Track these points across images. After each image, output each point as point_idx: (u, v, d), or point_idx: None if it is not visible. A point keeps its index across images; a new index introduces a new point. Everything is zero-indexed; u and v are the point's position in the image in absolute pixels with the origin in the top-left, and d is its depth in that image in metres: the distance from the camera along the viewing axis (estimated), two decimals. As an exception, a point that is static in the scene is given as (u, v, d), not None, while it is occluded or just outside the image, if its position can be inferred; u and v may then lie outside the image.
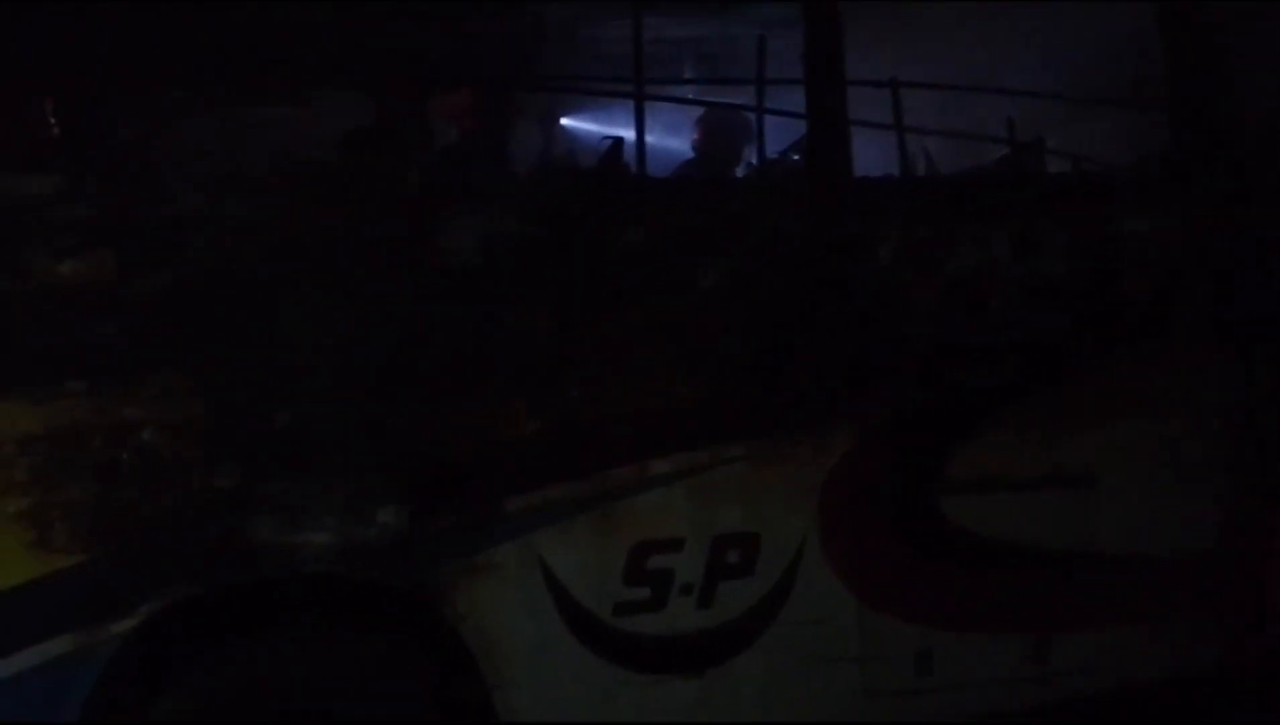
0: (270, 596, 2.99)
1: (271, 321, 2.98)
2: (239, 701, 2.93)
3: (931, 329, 3.50)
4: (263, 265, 2.99)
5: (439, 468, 3.08)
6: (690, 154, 4.58)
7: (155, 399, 2.84)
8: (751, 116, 4.30)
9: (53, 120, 3.19)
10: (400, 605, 3.07)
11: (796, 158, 4.12)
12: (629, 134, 3.68)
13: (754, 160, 4.41)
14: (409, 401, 3.06)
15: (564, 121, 5.03)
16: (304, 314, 3.00)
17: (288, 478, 2.94)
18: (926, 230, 3.54)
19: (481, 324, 3.14)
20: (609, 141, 3.77)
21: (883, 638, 3.42)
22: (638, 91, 3.78)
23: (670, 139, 4.48)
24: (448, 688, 3.10)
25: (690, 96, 4.88)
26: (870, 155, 3.82)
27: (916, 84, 4.12)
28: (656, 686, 3.25)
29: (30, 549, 2.74)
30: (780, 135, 4.16)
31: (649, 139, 3.68)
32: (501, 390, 3.14)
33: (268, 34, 3.35)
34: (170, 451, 2.85)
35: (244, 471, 2.90)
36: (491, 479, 3.11)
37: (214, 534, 2.87)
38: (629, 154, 3.67)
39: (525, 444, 3.15)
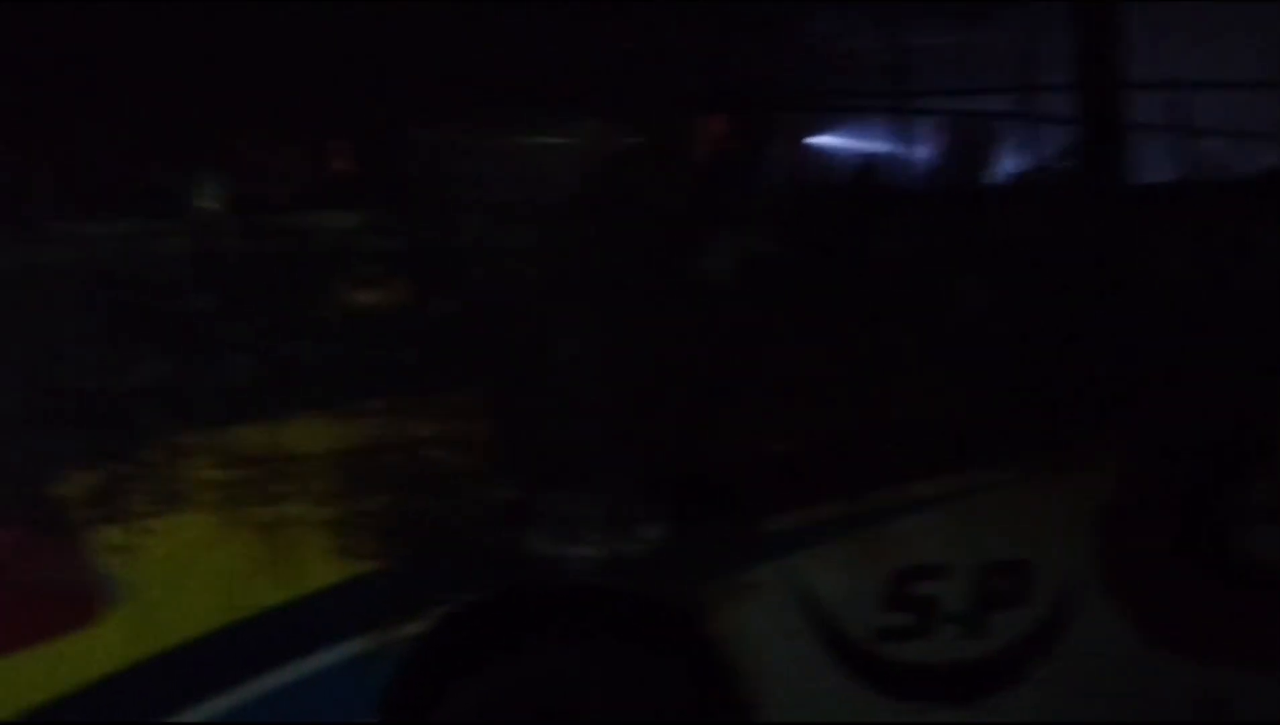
0: (545, 604, 3.13)
1: (545, 342, 3.12)
2: (511, 703, 3.09)
3: (1225, 343, 3.27)
4: (537, 289, 3.14)
5: (701, 485, 3.14)
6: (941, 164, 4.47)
7: (444, 416, 3.03)
8: (1002, 124, 4.15)
9: (348, 158, 3.47)
10: (661, 619, 3.15)
11: (1066, 165, 3.93)
12: (885, 148, 3.64)
13: (1012, 169, 4.26)
14: (673, 418, 3.14)
15: (821, 139, 5.00)
16: (575, 334, 3.13)
17: (560, 492, 3.07)
18: (1214, 238, 3.32)
19: (745, 342, 3.18)
20: (866, 157, 3.74)
21: (1166, 676, 3.22)
22: (894, 105, 3.73)
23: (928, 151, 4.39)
24: (705, 704, 3.15)
25: (949, 108, 4.75)
26: (1152, 160, 3.62)
27: (1200, 82, 3.87)
28: (920, 716, 3.19)
29: (335, 555, 2.98)
30: (1038, 144, 4.00)
31: (904, 152, 3.62)
32: (764, 408, 3.16)
33: (533, 64, 3.51)
34: (457, 466, 3.03)
35: (522, 485, 3.05)
36: (753, 497, 3.14)
37: (496, 544, 3.04)
38: (887, 168, 3.63)
39: (787, 463, 3.16)
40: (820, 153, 4.99)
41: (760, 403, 3.15)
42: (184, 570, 2.95)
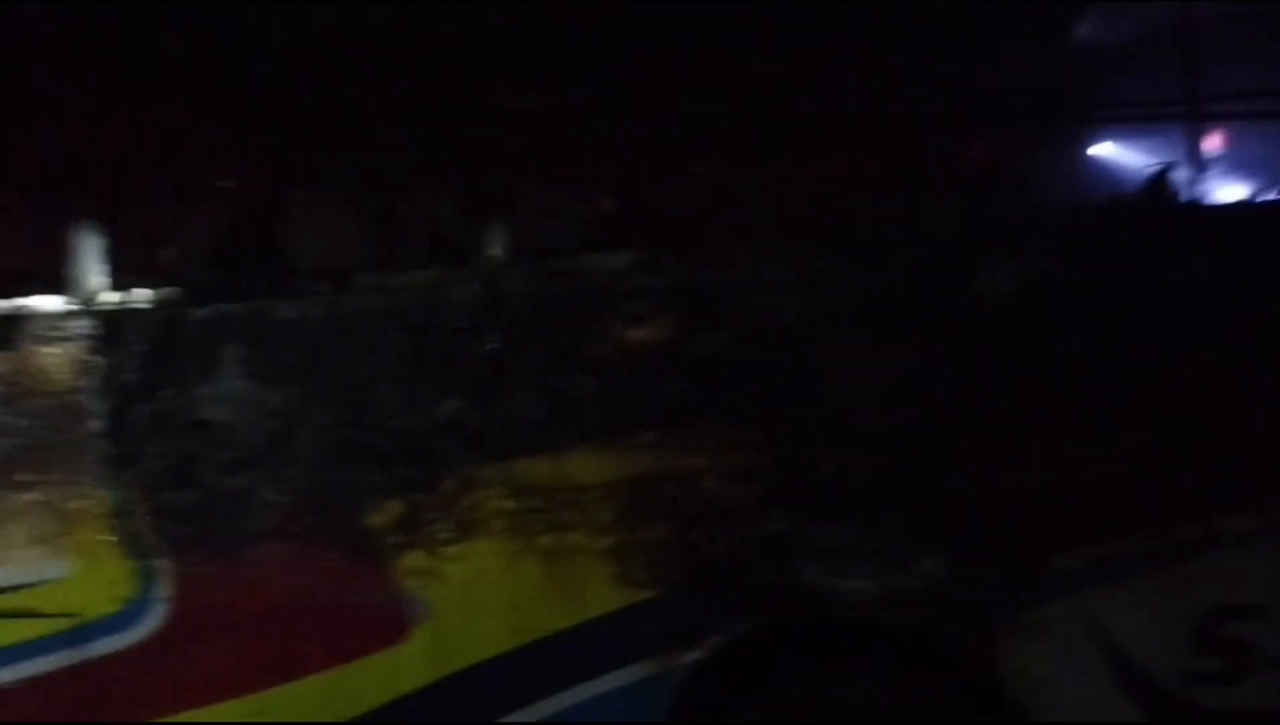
0: (822, 637, 3.11)
1: (819, 373, 3.12)
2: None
3: None
4: (807, 321, 3.15)
5: (985, 518, 3.03)
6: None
7: (715, 449, 3.09)
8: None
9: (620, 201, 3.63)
10: (941, 657, 3.05)
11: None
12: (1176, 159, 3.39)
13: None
14: (954, 448, 3.05)
15: (1104, 151, 4.73)
16: (845, 367, 3.11)
17: (833, 524, 3.05)
18: None
19: (1026, 370, 3.05)
20: (1156, 169, 3.50)
21: None
22: (1189, 112, 3.48)
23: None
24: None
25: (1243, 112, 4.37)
26: None
27: None
28: (1230, 767, 2.92)
29: (614, 583, 3.10)
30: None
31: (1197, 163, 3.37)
32: (1052, 437, 3.02)
33: (801, 98, 3.54)
34: (731, 497, 3.08)
35: (793, 517, 3.06)
36: (1042, 531, 3.00)
37: (769, 575, 3.06)
38: (1178, 181, 3.38)
39: (1078, 495, 3.00)
40: (1104, 167, 4.73)
41: (1050, 432, 3.01)
42: (480, 594, 3.15)
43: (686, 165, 3.54)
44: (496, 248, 3.25)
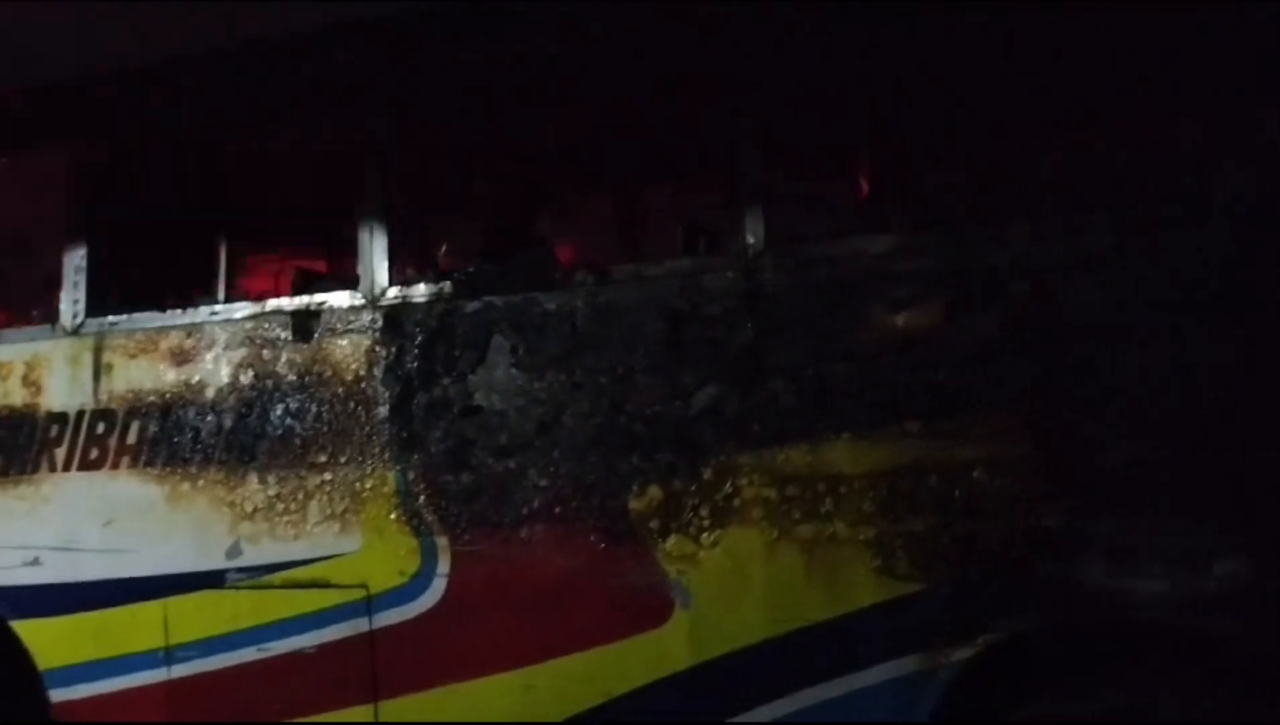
0: (1104, 639, 2.92)
1: (1100, 362, 2.92)
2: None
3: None
4: (1089, 303, 2.95)
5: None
6: None
7: (985, 438, 2.96)
8: None
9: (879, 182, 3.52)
10: (1241, 665, 2.79)
11: None
12: None
13: None
14: (1251, 444, 2.79)
15: None
16: (1135, 354, 2.90)
17: (1119, 521, 2.86)
18: None
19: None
20: None
21: None
22: None
23: None
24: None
25: None
26: None
27: None
28: None
29: (877, 574, 3.02)
30: None
31: None
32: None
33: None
34: (1005, 489, 2.94)
35: (1072, 513, 2.88)
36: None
37: (1046, 573, 2.89)
38: None
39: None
40: None
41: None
42: (739, 582, 3.15)
43: (948, 142, 3.39)
44: (752, 235, 3.22)
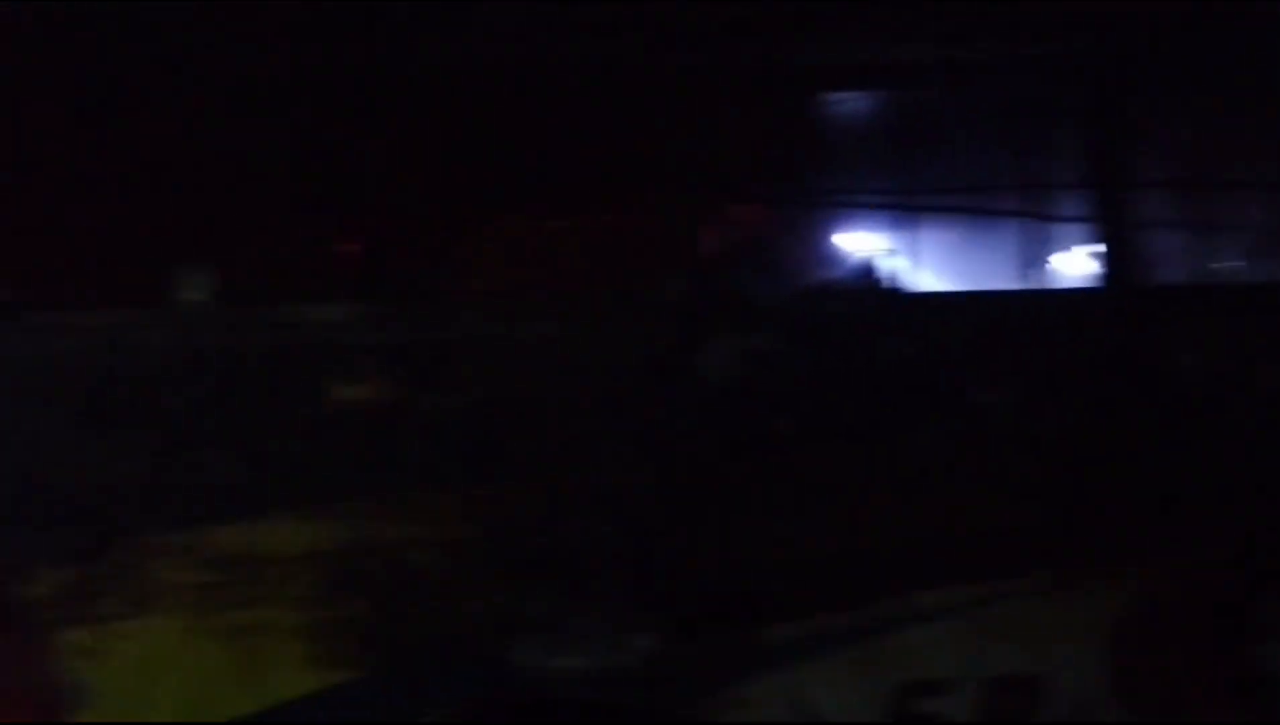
0: (534, 717, 2.98)
1: (541, 441, 3.02)
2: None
3: (1242, 454, 3.15)
4: (530, 386, 3.05)
5: (697, 594, 3.01)
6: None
7: (424, 518, 2.92)
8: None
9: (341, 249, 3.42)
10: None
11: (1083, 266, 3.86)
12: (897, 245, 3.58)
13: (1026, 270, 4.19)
14: (671, 526, 3.02)
15: (832, 234, 4.93)
16: (571, 435, 3.03)
17: (548, 599, 2.95)
18: (1234, 342, 3.22)
19: (745, 446, 3.08)
20: (876, 253, 3.68)
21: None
22: (905, 201, 3.68)
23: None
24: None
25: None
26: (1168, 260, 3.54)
27: (1215, 184, 3.81)
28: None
29: (310, 662, 2.85)
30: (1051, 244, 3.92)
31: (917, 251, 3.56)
32: (762, 515, 3.05)
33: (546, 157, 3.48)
34: (438, 570, 2.91)
35: (507, 591, 2.93)
36: (752, 608, 3.01)
37: (481, 653, 2.90)
38: (899, 268, 3.56)
39: (788, 571, 3.03)
40: (831, 250, 4.93)
41: (763, 510, 3.04)
42: (153, 675, 2.82)
43: (416, 217, 3.38)
44: (196, 291, 2.96)
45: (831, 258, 4.80)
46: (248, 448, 2.91)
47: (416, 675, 2.89)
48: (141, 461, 2.86)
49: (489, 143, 3.50)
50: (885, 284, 3.57)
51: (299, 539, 2.88)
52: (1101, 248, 3.35)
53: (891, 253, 3.56)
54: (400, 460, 2.96)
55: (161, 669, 2.82)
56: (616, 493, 3.02)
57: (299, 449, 2.93)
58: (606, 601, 2.96)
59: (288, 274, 3.35)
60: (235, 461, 2.90)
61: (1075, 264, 3.93)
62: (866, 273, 3.61)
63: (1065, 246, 3.82)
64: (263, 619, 2.84)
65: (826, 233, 4.74)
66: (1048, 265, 4.04)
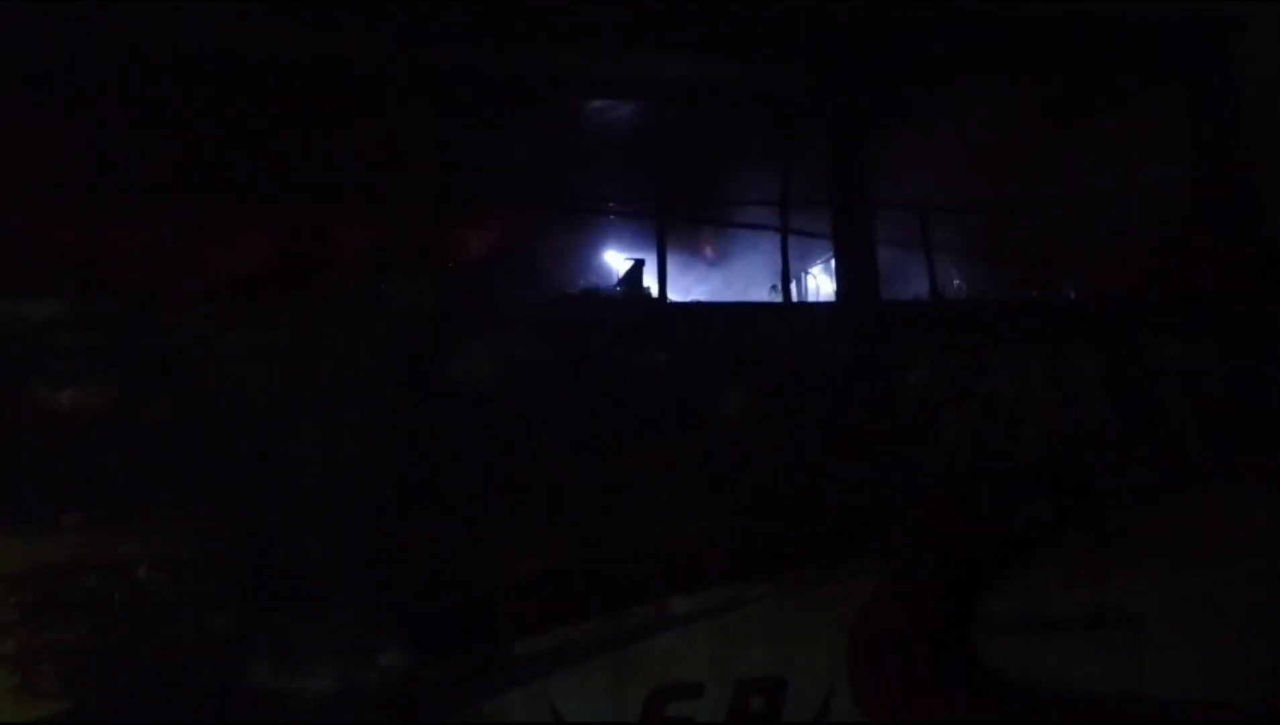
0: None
1: (272, 454, 2.86)
2: None
3: (967, 461, 3.34)
4: (266, 394, 2.89)
5: (443, 608, 2.93)
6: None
7: (152, 535, 2.71)
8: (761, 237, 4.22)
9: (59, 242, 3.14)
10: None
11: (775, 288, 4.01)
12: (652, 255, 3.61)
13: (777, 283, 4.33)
14: (414, 538, 2.93)
15: (585, 243, 4.96)
16: (307, 446, 2.88)
17: (287, 618, 2.79)
18: (959, 356, 3.41)
19: (494, 456, 3.02)
20: (631, 263, 3.70)
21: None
22: (659, 212, 3.72)
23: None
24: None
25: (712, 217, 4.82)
26: (901, 279, 3.72)
27: (946, 208, 4.04)
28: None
29: (15, 694, 2.58)
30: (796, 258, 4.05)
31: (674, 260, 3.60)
32: (512, 524, 3.00)
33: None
34: (166, 590, 2.71)
35: (242, 612, 2.75)
36: (501, 620, 2.95)
37: (209, 678, 2.71)
38: (650, 278, 3.59)
39: (538, 582, 2.99)
40: (587, 258, 4.95)
41: (510, 521, 2.99)
42: None
43: (143, 211, 3.14)
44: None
45: (588, 265, 4.82)
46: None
47: (140, 703, 2.67)
48: None
49: (227, 135, 3.30)
50: (640, 293, 3.59)
51: (7, 557, 2.61)
52: (843, 263, 3.47)
53: (645, 263, 3.59)
54: (115, 474, 2.73)
55: None
56: (360, 505, 2.89)
57: (7, 459, 2.66)
58: (347, 619, 2.83)
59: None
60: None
61: (821, 280, 4.09)
62: (623, 281, 3.63)
63: (813, 262, 3.96)
64: (-41, 649, 2.56)
65: (583, 240, 4.77)
66: (798, 279, 4.18)
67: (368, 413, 2.92)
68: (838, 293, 3.61)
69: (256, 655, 2.75)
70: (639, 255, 3.85)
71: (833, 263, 3.55)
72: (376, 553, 2.87)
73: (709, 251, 4.62)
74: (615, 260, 4.34)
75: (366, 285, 3.18)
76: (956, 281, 4.22)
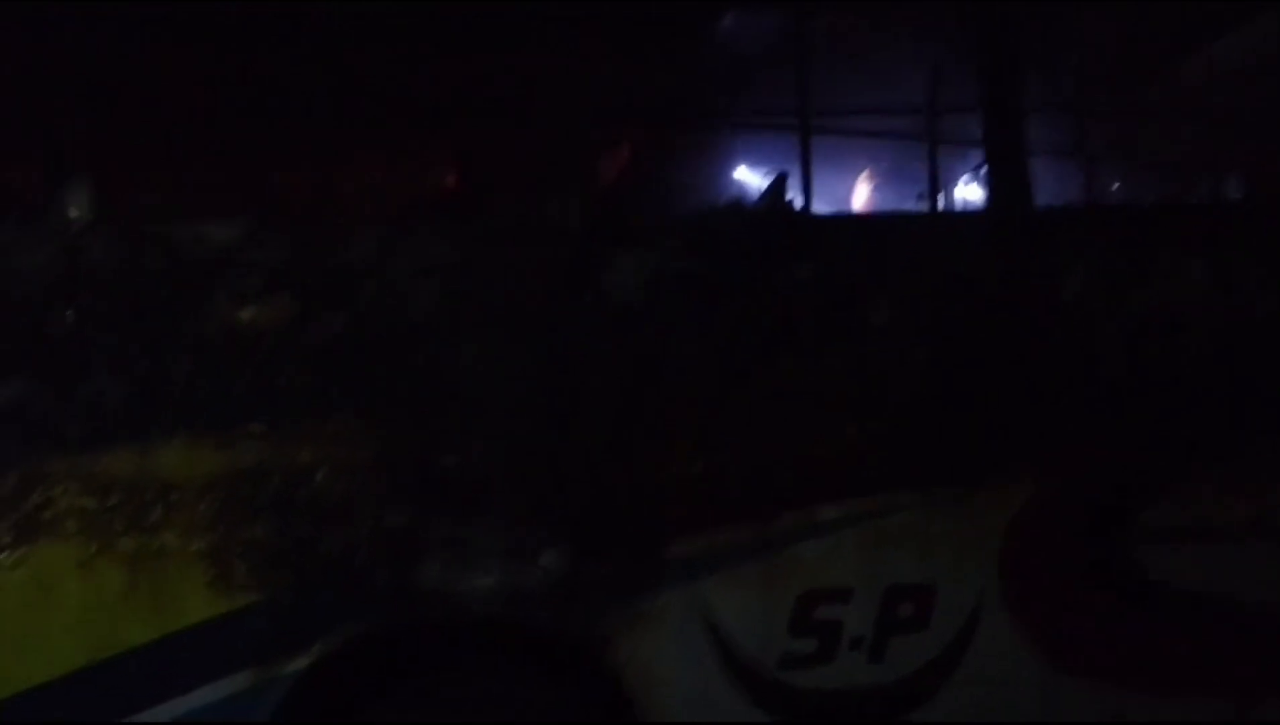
0: (440, 637, 2.99)
1: (440, 365, 2.99)
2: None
3: (1124, 370, 3.28)
4: (432, 309, 3.01)
5: (602, 511, 3.04)
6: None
7: (330, 441, 2.88)
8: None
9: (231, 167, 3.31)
10: (563, 650, 3.03)
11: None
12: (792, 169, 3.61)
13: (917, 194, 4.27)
14: (573, 443, 3.03)
15: (729, 158, 4.96)
16: (471, 357, 3.01)
17: (455, 520, 2.94)
18: (1116, 263, 3.33)
19: (647, 365, 3.09)
20: (774, 177, 3.70)
21: (1069, 700, 3.19)
22: (803, 124, 3.70)
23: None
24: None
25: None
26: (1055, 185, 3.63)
27: (1099, 113, 3.91)
28: (824, 744, 3.11)
29: (210, 587, 2.80)
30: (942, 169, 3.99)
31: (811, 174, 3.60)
32: (667, 432, 3.08)
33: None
34: (343, 492, 2.88)
35: (413, 513, 2.91)
36: (656, 524, 3.05)
37: (384, 575, 2.89)
38: (793, 192, 3.59)
39: (690, 488, 3.08)
40: (727, 173, 4.96)
41: (664, 427, 3.07)
42: (46, 606, 2.74)
43: (311, 139, 3.28)
44: (78, 208, 2.84)
45: (729, 180, 4.83)
46: (137, 371, 2.81)
47: (319, 598, 2.87)
48: (24, 386, 2.75)
49: (381, 65, 3.41)
50: (784, 206, 3.59)
51: (192, 464, 2.82)
52: (993, 171, 3.41)
53: (788, 175, 3.59)
54: (294, 384, 2.90)
55: (54, 598, 2.74)
56: (521, 412, 3.01)
57: (190, 372, 2.85)
58: (511, 521, 2.97)
59: (177, 190, 3.23)
60: (124, 385, 2.81)
61: (969, 189, 4.02)
62: (764, 195, 3.64)
63: (959, 171, 3.90)
64: (158, 545, 2.78)
65: (723, 155, 4.77)
66: (945, 189, 4.12)
67: (527, 325, 3.03)
68: (988, 200, 3.55)
69: (427, 555, 2.91)
70: (782, 169, 3.84)
71: (984, 170, 3.50)
72: (537, 458, 2.99)
73: (857, 163, 4.57)
74: (758, 175, 4.34)
75: (521, 207, 3.27)
76: (1115, 185, 4.08)
